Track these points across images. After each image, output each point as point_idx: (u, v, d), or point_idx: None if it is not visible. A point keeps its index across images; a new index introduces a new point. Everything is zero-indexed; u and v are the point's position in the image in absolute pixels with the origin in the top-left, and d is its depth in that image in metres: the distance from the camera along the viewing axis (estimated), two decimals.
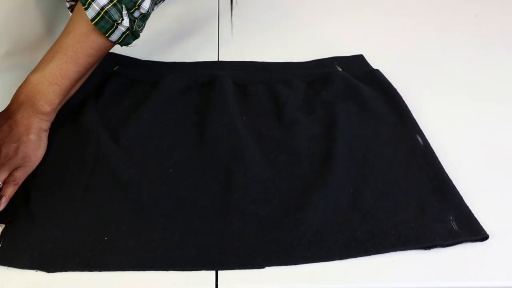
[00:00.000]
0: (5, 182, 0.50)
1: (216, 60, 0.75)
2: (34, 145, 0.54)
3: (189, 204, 0.50)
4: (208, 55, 0.73)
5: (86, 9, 0.56)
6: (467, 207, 0.50)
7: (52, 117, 0.58)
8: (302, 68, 0.73)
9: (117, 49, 0.75)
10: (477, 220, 0.49)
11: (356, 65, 0.73)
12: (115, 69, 0.70)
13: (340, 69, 0.71)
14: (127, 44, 0.62)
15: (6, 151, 0.52)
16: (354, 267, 0.45)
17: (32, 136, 0.54)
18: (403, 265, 0.45)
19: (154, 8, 0.63)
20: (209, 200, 0.50)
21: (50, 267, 0.44)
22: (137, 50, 0.75)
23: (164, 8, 0.87)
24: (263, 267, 0.45)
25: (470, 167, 0.56)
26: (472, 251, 0.47)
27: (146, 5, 0.59)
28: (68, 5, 0.62)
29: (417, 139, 0.58)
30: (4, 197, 0.48)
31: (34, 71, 0.58)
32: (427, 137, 0.59)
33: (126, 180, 0.52)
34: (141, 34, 0.63)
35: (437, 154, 0.56)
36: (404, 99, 0.64)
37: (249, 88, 0.66)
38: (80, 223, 0.48)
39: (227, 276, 0.44)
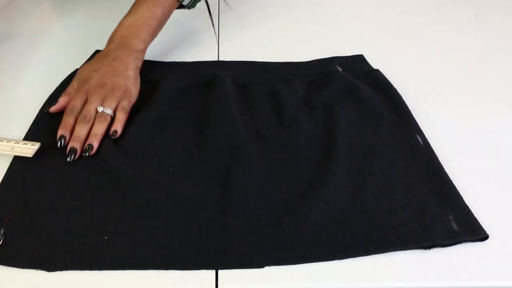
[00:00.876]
0: (115, 111, 0.58)
1: (216, 60, 0.75)
2: (133, 80, 0.62)
3: (189, 204, 0.50)
4: (208, 55, 0.73)
5: None
6: (467, 207, 0.50)
7: (143, 56, 0.67)
8: (302, 68, 0.73)
9: None
10: (477, 220, 0.49)
11: (356, 65, 0.73)
12: None
13: (340, 69, 0.71)
14: (193, 6, 0.73)
15: (111, 84, 0.59)
16: (354, 267, 0.45)
17: (131, 72, 0.62)
18: (403, 265, 0.45)
19: None
20: (209, 200, 0.50)
21: (50, 266, 0.44)
22: None
23: None
24: (262, 266, 0.45)
25: (470, 167, 0.56)
26: (472, 251, 0.47)
27: None
28: None
29: (417, 139, 0.58)
30: (119, 123, 0.57)
31: (126, 15, 0.66)
32: (427, 137, 0.59)
33: (125, 179, 0.51)
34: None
35: (437, 154, 0.56)
36: (404, 99, 0.64)
37: (249, 88, 0.66)
38: (80, 222, 0.48)
39: (227, 276, 0.44)
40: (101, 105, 0.58)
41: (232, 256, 0.45)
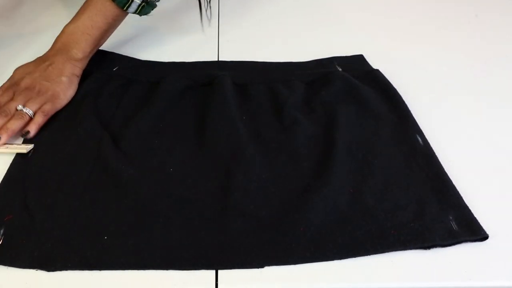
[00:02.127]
0: (36, 113, 0.59)
1: (216, 60, 0.75)
2: (64, 86, 0.62)
3: (188, 204, 0.50)
4: (208, 55, 0.73)
5: None
6: (467, 207, 0.50)
7: (84, 64, 0.66)
8: (302, 68, 0.73)
9: (118, 49, 0.75)
10: (476, 220, 0.49)
11: (356, 65, 0.73)
12: (114, 69, 0.70)
13: (340, 69, 0.71)
14: (146, 14, 0.69)
15: (39, 87, 0.60)
16: (354, 267, 0.45)
17: (64, 79, 0.62)
18: (403, 265, 0.45)
19: None
20: (208, 200, 0.50)
21: (50, 266, 0.44)
22: (137, 50, 0.75)
23: (164, 8, 0.87)
24: (262, 266, 0.45)
25: (470, 167, 0.56)
26: (472, 251, 0.47)
27: None
28: None
29: (417, 139, 0.58)
30: (35, 124, 0.58)
31: (69, 22, 0.66)
32: (427, 137, 0.59)
33: (125, 179, 0.51)
34: (156, 3, 0.69)
35: (437, 154, 0.56)
36: (404, 99, 0.64)
37: (249, 88, 0.66)
38: (80, 222, 0.48)
39: (227, 276, 0.44)
40: (23, 105, 0.59)
41: (232, 256, 0.45)
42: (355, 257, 0.46)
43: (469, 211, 0.50)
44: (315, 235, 0.47)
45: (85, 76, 0.66)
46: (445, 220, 0.48)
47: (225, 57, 0.75)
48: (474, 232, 0.48)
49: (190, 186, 0.52)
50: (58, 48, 0.64)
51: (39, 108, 0.59)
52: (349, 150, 0.56)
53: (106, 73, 0.68)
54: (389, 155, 0.56)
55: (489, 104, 0.67)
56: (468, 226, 0.48)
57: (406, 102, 0.64)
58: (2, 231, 0.47)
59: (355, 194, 0.51)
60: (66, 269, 0.44)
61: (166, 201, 0.50)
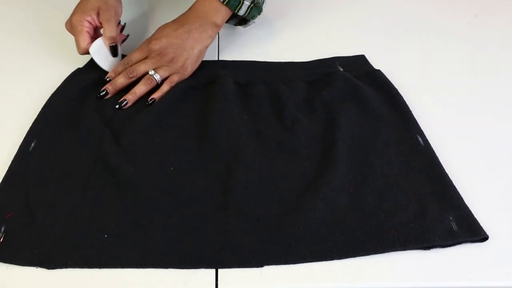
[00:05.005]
0: (164, 82, 0.63)
1: (217, 60, 0.75)
2: (194, 59, 0.67)
3: (189, 203, 0.50)
4: (208, 55, 0.73)
5: None
6: (467, 207, 0.50)
7: (216, 35, 0.70)
8: (303, 68, 0.73)
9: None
10: (477, 221, 0.49)
11: (357, 65, 0.73)
12: None
13: (342, 69, 0.71)
14: (253, 17, 0.72)
15: (172, 56, 0.64)
16: (354, 267, 0.45)
17: (196, 50, 0.66)
18: (403, 265, 0.45)
19: None
20: (209, 199, 0.50)
21: (50, 264, 0.44)
22: None
23: (164, 8, 0.87)
24: (261, 266, 0.45)
25: (471, 168, 0.56)
26: (472, 251, 0.47)
27: None
28: None
29: (418, 139, 0.58)
30: (161, 93, 0.62)
31: (198, 1, 0.69)
32: (427, 137, 0.59)
33: (126, 178, 0.52)
34: (263, 7, 0.73)
35: (437, 154, 0.56)
36: (405, 99, 0.64)
37: (250, 87, 0.66)
38: (80, 220, 0.48)
39: (227, 276, 0.44)
40: (154, 70, 0.63)
41: (232, 256, 0.45)
42: (354, 257, 0.46)
43: (469, 211, 0.50)
44: (315, 235, 0.47)
45: (87, 74, 0.66)
46: (445, 221, 0.48)
47: (225, 57, 0.75)
48: (474, 232, 0.48)
49: (191, 185, 0.52)
50: (198, 15, 0.67)
51: (167, 76, 0.63)
52: (350, 150, 0.56)
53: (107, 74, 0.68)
54: (389, 155, 0.56)
55: (489, 104, 0.67)
56: (468, 227, 0.48)
57: (407, 103, 0.64)
58: (3, 228, 0.47)
59: (355, 194, 0.51)
60: (66, 267, 0.44)
61: (166, 199, 0.50)
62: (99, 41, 0.66)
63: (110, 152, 0.55)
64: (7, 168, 0.53)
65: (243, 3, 0.68)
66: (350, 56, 0.75)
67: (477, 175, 0.55)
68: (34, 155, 0.55)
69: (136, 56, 0.65)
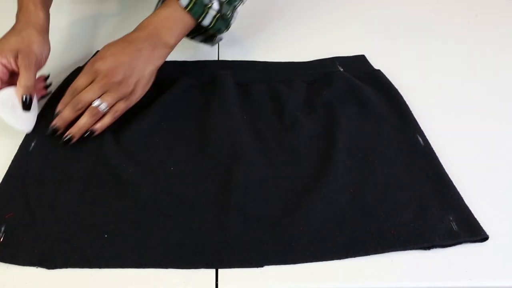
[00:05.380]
0: (108, 111, 0.56)
1: (217, 59, 0.75)
2: (145, 81, 0.58)
3: (189, 203, 0.50)
4: (208, 55, 0.73)
5: None
6: (467, 207, 0.50)
7: (167, 55, 0.61)
8: (304, 68, 0.73)
9: None
10: (477, 221, 0.49)
11: (357, 65, 0.73)
12: None
13: (342, 69, 0.71)
14: (218, 30, 0.64)
15: (122, 77, 0.55)
16: (354, 267, 0.45)
17: (148, 72, 0.58)
18: (403, 265, 0.45)
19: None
20: (209, 199, 0.50)
21: (50, 264, 0.44)
22: None
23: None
24: (262, 266, 0.45)
25: (471, 168, 0.56)
26: (472, 251, 0.47)
27: None
28: None
29: (418, 139, 0.58)
30: (102, 125, 0.56)
31: (164, 6, 0.61)
32: (427, 137, 0.59)
33: (126, 178, 0.52)
34: (232, 25, 0.66)
35: (437, 154, 0.56)
36: (405, 99, 0.64)
37: (250, 87, 0.66)
38: (80, 220, 0.48)
39: (227, 276, 0.44)
40: (100, 97, 0.55)
41: (232, 256, 0.45)
42: (354, 257, 0.46)
43: (470, 211, 0.50)
44: (315, 235, 0.47)
45: None
46: (445, 221, 0.48)
47: (225, 57, 0.75)
48: (474, 232, 0.48)
49: (191, 185, 0.52)
50: (149, 32, 0.59)
51: (114, 104, 0.56)
52: (350, 150, 0.56)
53: None
54: (389, 155, 0.56)
55: (489, 104, 0.67)
56: (468, 227, 0.48)
57: (407, 103, 0.64)
58: (3, 228, 0.47)
59: (355, 194, 0.51)
60: (66, 267, 0.44)
61: (166, 199, 0.50)
62: (8, 91, 0.56)
63: (110, 152, 0.55)
64: (7, 168, 0.53)
65: (207, 12, 0.61)
66: (350, 56, 0.75)
67: (477, 175, 0.55)
68: (34, 155, 0.55)
69: (82, 82, 0.56)
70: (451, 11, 0.91)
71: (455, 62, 0.76)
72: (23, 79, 0.56)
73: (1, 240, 0.46)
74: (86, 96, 0.55)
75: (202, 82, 0.67)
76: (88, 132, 0.55)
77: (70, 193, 0.50)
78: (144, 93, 0.59)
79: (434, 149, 0.57)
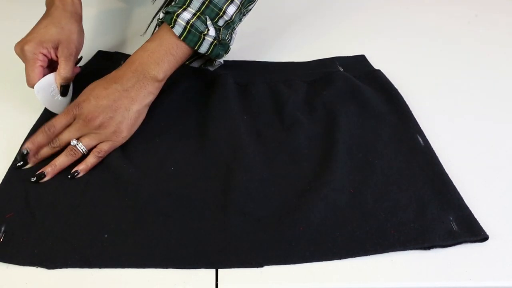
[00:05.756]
0: (91, 152, 0.54)
1: None
2: (131, 121, 0.56)
3: (189, 202, 0.50)
4: None
5: (172, 27, 0.57)
6: (467, 207, 0.50)
7: (158, 90, 0.59)
8: (304, 68, 0.73)
9: (120, 49, 0.75)
10: (477, 221, 0.49)
11: (357, 65, 0.73)
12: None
13: (342, 69, 0.71)
14: (217, 55, 0.62)
15: (102, 120, 0.54)
16: (354, 266, 0.45)
17: (133, 111, 0.55)
18: (403, 265, 0.45)
19: (242, 19, 0.65)
20: (209, 199, 0.50)
21: (50, 263, 0.44)
22: None
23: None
24: (261, 266, 0.45)
25: (471, 168, 0.56)
26: (472, 251, 0.47)
27: (230, 11, 0.61)
28: (160, 18, 0.61)
29: (418, 139, 0.58)
30: (86, 165, 0.53)
31: (150, 40, 0.59)
32: (427, 137, 0.59)
33: (126, 177, 0.52)
34: (231, 47, 0.64)
35: (437, 154, 0.56)
36: (405, 99, 0.64)
37: (250, 87, 0.66)
38: (80, 220, 0.48)
39: (227, 276, 0.44)
40: (79, 139, 0.54)
41: (231, 255, 0.45)
42: (354, 257, 0.46)
43: (470, 211, 0.50)
44: (314, 235, 0.47)
45: (91, 74, 0.66)
46: (445, 221, 0.48)
47: (225, 57, 0.75)
48: (474, 233, 0.48)
49: (191, 185, 0.52)
50: (135, 69, 0.56)
51: (96, 145, 0.54)
52: (350, 150, 0.56)
53: (109, 72, 0.68)
54: (389, 155, 0.56)
55: (489, 104, 0.67)
56: (468, 227, 0.48)
57: (407, 103, 0.64)
58: (3, 228, 0.47)
59: (355, 194, 0.51)
60: (66, 267, 0.44)
61: (166, 199, 0.50)
62: (49, 78, 0.58)
63: (111, 152, 0.55)
64: (7, 168, 0.53)
65: (204, 38, 0.59)
66: (350, 56, 0.75)
67: (477, 175, 0.55)
68: None
69: (61, 121, 0.54)
70: (451, 11, 0.91)
71: (455, 62, 0.76)
72: (63, 70, 0.58)
73: (1, 240, 0.46)
74: (64, 135, 0.54)
75: (203, 82, 0.67)
76: (73, 174, 0.52)
77: (70, 193, 0.50)
78: (132, 132, 0.57)
79: (434, 149, 0.57)
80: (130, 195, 0.50)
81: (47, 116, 0.59)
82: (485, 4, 0.94)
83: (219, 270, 0.45)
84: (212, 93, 0.64)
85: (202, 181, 0.52)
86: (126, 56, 0.72)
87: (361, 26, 0.85)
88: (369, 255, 0.46)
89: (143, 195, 0.50)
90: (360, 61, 0.75)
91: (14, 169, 0.53)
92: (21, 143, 0.56)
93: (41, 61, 0.58)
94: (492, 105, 0.67)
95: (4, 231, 0.46)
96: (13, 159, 0.54)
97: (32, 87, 0.57)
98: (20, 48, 0.58)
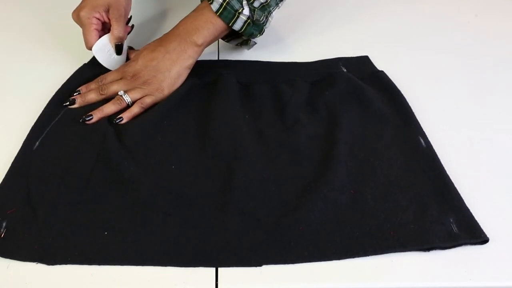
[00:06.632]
0: (135, 103, 0.60)
1: (216, 59, 0.75)
2: (171, 81, 0.62)
3: (189, 201, 0.50)
4: (208, 55, 0.73)
5: (211, 3, 0.63)
6: (468, 210, 0.50)
7: (199, 54, 0.65)
8: (307, 68, 0.73)
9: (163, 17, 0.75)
10: (477, 223, 0.48)
11: (361, 66, 0.73)
12: None
13: (345, 70, 0.71)
14: (251, 35, 0.66)
15: (146, 78, 0.61)
16: (354, 267, 0.45)
17: (173, 72, 0.62)
18: (403, 265, 0.45)
19: (279, 4, 0.69)
20: (209, 198, 0.50)
21: (50, 259, 0.44)
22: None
23: (164, 9, 0.87)
24: (260, 265, 0.45)
25: (472, 170, 0.56)
26: (472, 252, 0.47)
27: None
28: None
29: (420, 141, 0.58)
30: (130, 113, 0.59)
31: (193, 11, 0.65)
32: (429, 139, 0.58)
33: (127, 175, 0.52)
34: (265, 29, 0.68)
35: (439, 156, 0.56)
36: (408, 101, 0.64)
37: (252, 87, 0.66)
38: (81, 217, 0.48)
39: (227, 276, 0.44)
40: (125, 91, 0.60)
41: (231, 255, 0.45)
42: (354, 257, 0.46)
43: (470, 214, 0.49)
44: (314, 235, 0.47)
45: (93, 71, 0.66)
46: (446, 223, 0.48)
47: (225, 57, 0.75)
48: (474, 235, 0.47)
49: (191, 183, 0.52)
50: (178, 33, 0.64)
51: (140, 98, 0.61)
52: (351, 151, 0.56)
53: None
54: (390, 157, 0.56)
55: (491, 106, 0.67)
56: (468, 229, 0.48)
57: (410, 104, 0.64)
58: (4, 224, 0.47)
59: (355, 194, 0.51)
60: (66, 263, 0.44)
61: (166, 197, 0.50)
62: (104, 39, 0.65)
63: (112, 149, 0.55)
64: (8, 166, 0.53)
65: (238, 16, 0.63)
66: (354, 57, 0.75)
67: (478, 177, 0.55)
68: (37, 154, 0.55)
69: (111, 75, 0.63)
70: (451, 11, 0.91)
71: (457, 64, 0.75)
72: (116, 31, 0.64)
73: (2, 235, 0.46)
74: (113, 86, 0.61)
75: (205, 81, 0.67)
76: (118, 119, 0.59)
77: (71, 190, 0.50)
78: (172, 90, 0.63)
79: (436, 151, 0.57)
80: (130, 192, 0.50)
81: (48, 115, 0.60)
82: (485, 4, 0.94)
83: (219, 270, 0.45)
84: (214, 92, 0.64)
85: (203, 180, 0.52)
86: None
87: (365, 27, 0.85)
88: (368, 255, 0.46)
89: (143, 193, 0.50)
90: (364, 62, 0.74)
91: (15, 165, 0.53)
92: (22, 141, 0.56)
93: (95, 25, 0.64)
94: (493, 106, 0.67)
95: (5, 227, 0.47)
96: (13, 158, 0.54)
97: (90, 49, 0.64)
98: (76, 15, 0.64)
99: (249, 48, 0.73)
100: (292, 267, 0.45)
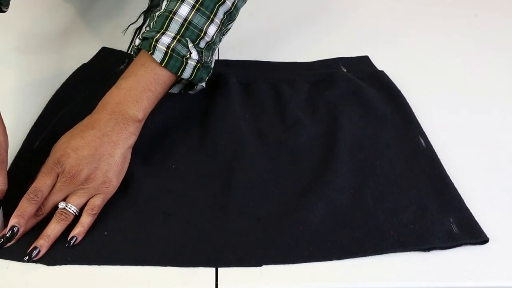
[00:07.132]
0: (83, 211, 0.47)
1: (216, 59, 0.75)
2: (118, 168, 0.50)
3: (189, 201, 0.50)
4: None
5: (152, 53, 0.53)
6: (468, 210, 0.50)
7: (139, 130, 0.53)
8: (307, 68, 0.73)
9: (121, 48, 0.75)
10: (477, 224, 0.48)
11: (361, 66, 0.73)
12: (121, 67, 0.70)
13: (345, 70, 0.71)
14: (200, 80, 0.57)
15: (87, 173, 0.48)
16: (354, 267, 0.45)
17: (118, 156, 0.50)
18: (403, 265, 0.45)
19: (222, 38, 0.61)
20: (209, 198, 0.50)
21: (50, 260, 0.44)
22: None
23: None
24: (260, 265, 0.45)
25: (472, 170, 0.56)
26: (472, 252, 0.47)
27: (211, 31, 0.57)
28: (136, 45, 0.57)
29: (420, 141, 0.58)
30: (82, 228, 0.46)
31: (124, 77, 0.54)
32: (430, 139, 0.59)
33: (127, 175, 0.52)
34: (212, 66, 0.60)
35: (439, 156, 0.56)
36: (408, 100, 0.64)
37: (253, 87, 0.66)
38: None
39: (227, 276, 0.44)
40: (66, 200, 0.47)
41: (230, 254, 0.45)
42: (353, 257, 0.46)
43: (470, 214, 0.49)
44: (314, 235, 0.47)
45: (93, 73, 0.66)
46: (446, 223, 0.48)
47: (226, 57, 0.75)
48: (474, 235, 0.47)
49: (191, 183, 0.52)
50: (112, 110, 0.51)
51: (86, 201, 0.48)
52: (351, 151, 0.56)
53: (112, 71, 0.68)
54: (391, 157, 0.56)
55: (491, 105, 0.67)
56: (468, 229, 0.48)
57: (410, 104, 0.64)
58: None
59: (355, 194, 0.51)
60: (66, 263, 0.44)
61: (166, 197, 0.50)
62: None
63: None
64: (9, 164, 0.53)
65: (187, 63, 0.54)
66: (354, 57, 0.75)
67: (478, 177, 0.55)
68: (38, 153, 0.55)
69: (45, 183, 0.46)
70: (451, 11, 0.91)
71: (458, 64, 0.76)
72: None
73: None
74: (49, 200, 0.47)
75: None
76: (70, 241, 0.45)
77: None
78: (121, 179, 0.51)
79: (436, 151, 0.57)
80: (130, 192, 0.50)
81: (47, 114, 0.59)
82: (485, 4, 0.94)
83: (219, 270, 0.45)
84: (214, 92, 0.64)
85: (203, 179, 0.52)
86: (130, 55, 0.73)
87: (365, 27, 0.85)
88: (368, 255, 0.46)
89: (143, 193, 0.50)
90: (364, 62, 0.74)
91: (15, 165, 0.52)
92: (21, 142, 0.56)
93: None
94: (494, 106, 0.67)
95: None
96: (13, 158, 0.54)
97: None
98: None
99: (194, 92, 0.62)
100: (292, 267, 0.45)
